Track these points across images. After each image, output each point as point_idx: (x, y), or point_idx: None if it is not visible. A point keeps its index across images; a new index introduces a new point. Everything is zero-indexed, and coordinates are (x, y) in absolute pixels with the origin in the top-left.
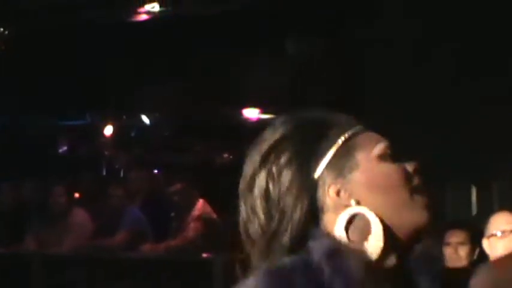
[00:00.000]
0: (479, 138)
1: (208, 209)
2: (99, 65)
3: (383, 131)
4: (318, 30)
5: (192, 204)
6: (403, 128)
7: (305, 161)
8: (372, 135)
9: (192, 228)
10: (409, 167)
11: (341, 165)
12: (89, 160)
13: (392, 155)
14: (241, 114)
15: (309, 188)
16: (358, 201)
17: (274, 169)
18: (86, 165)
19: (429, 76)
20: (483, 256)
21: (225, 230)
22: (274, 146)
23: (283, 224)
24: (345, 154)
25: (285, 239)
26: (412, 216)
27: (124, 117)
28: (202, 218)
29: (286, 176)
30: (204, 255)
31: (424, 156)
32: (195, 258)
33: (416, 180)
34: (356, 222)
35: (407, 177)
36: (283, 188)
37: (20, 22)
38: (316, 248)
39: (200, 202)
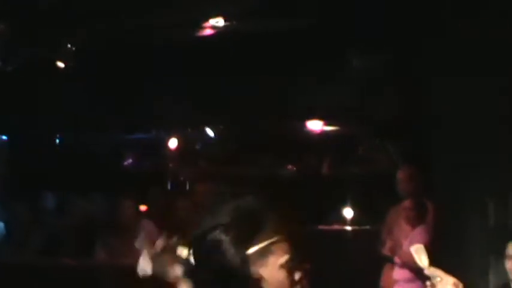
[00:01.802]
0: None
1: None
2: (166, 80)
3: (447, 149)
4: (386, 45)
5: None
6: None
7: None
8: (283, 247)
9: None
10: (297, 275)
11: (260, 258)
12: (154, 173)
13: (290, 265)
14: (305, 126)
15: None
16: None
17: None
18: (151, 179)
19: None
20: None
21: None
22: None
23: None
24: (264, 253)
25: None
26: None
27: (189, 130)
28: None
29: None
30: None
31: (485, 169)
32: None
33: (298, 285)
34: None
35: (292, 283)
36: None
37: (92, 38)
38: None
39: None
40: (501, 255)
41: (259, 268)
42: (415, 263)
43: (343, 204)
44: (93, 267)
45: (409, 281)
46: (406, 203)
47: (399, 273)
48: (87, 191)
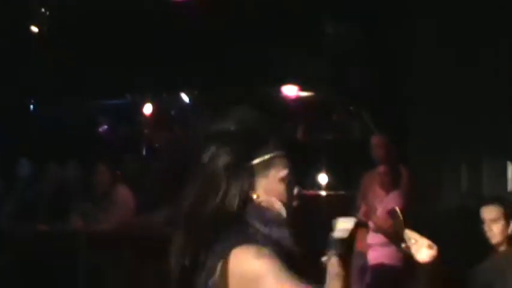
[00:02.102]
0: None
1: None
2: (139, 45)
3: (422, 116)
4: (361, 13)
5: None
6: (441, 111)
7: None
8: (283, 162)
9: None
10: (295, 190)
11: (262, 170)
12: (129, 139)
13: (289, 179)
14: (280, 93)
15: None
16: (258, 195)
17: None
18: (126, 145)
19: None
20: None
21: None
22: (229, 133)
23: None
24: (267, 165)
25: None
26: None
27: (164, 95)
28: None
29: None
30: None
31: (459, 137)
32: None
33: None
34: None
35: (290, 196)
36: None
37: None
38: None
39: None
40: (474, 220)
41: (261, 179)
42: (390, 226)
43: (318, 170)
44: (68, 233)
45: (383, 245)
46: (381, 169)
47: (373, 238)
48: (62, 158)
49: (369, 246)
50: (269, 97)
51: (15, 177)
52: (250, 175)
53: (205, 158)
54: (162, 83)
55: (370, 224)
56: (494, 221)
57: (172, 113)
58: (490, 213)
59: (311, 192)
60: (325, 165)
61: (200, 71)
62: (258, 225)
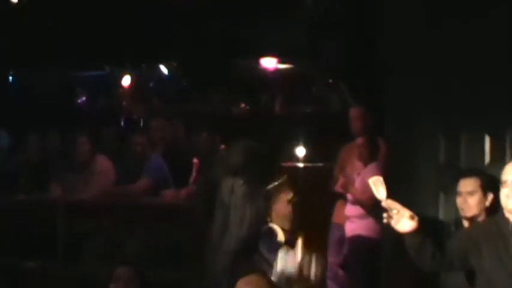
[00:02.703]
0: (492, 89)
1: None
2: (117, 15)
3: (398, 88)
4: None
5: (216, 151)
6: (417, 82)
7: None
8: (289, 185)
9: None
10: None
11: (274, 195)
12: (108, 111)
13: (294, 200)
14: (259, 64)
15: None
16: (271, 220)
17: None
18: (105, 116)
19: (447, 34)
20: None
21: None
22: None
23: None
24: (278, 189)
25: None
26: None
27: (143, 66)
28: None
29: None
30: None
31: (437, 108)
32: None
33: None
34: None
35: (295, 216)
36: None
37: None
38: None
39: (223, 147)
40: (451, 192)
41: (273, 204)
42: (368, 198)
43: (296, 142)
44: (48, 203)
45: (360, 217)
46: (359, 141)
47: (351, 210)
48: (42, 129)
49: (347, 218)
50: (247, 69)
51: None
52: (266, 201)
53: (224, 191)
54: (141, 54)
55: (348, 196)
56: (470, 193)
57: (151, 84)
58: (466, 185)
59: (289, 164)
60: (303, 137)
61: (179, 43)
62: (265, 254)
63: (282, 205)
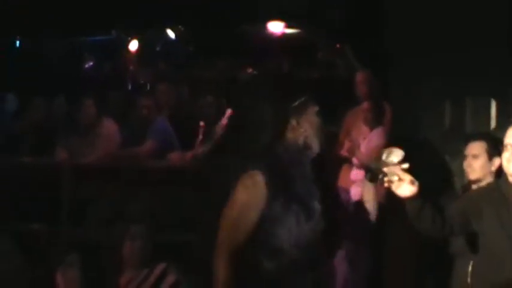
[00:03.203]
0: (499, 52)
1: None
2: None
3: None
4: None
5: (221, 115)
6: (422, 46)
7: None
8: (313, 100)
9: (221, 135)
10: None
11: (302, 108)
12: (114, 75)
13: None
14: (265, 29)
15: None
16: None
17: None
18: (112, 80)
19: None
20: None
21: None
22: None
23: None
24: (305, 104)
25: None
26: None
27: (150, 31)
28: None
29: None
30: None
31: (442, 72)
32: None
33: None
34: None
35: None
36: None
37: None
38: None
39: (228, 112)
40: (456, 156)
41: (303, 115)
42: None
43: None
44: (53, 166)
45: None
46: (365, 105)
47: (357, 174)
48: (48, 92)
49: (352, 182)
50: (253, 33)
51: (1, 111)
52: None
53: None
54: (148, 19)
55: (354, 160)
56: (475, 156)
57: (158, 49)
58: (472, 148)
59: None
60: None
61: (185, 7)
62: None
63: (311, 116)
